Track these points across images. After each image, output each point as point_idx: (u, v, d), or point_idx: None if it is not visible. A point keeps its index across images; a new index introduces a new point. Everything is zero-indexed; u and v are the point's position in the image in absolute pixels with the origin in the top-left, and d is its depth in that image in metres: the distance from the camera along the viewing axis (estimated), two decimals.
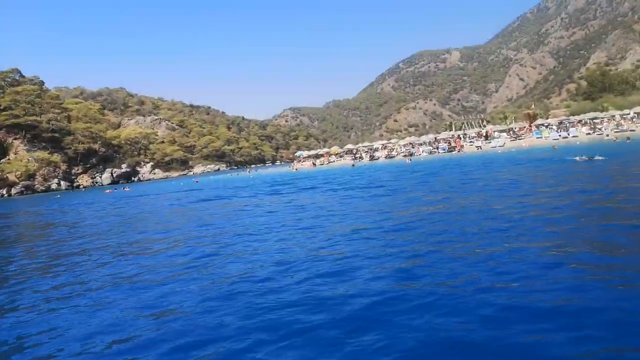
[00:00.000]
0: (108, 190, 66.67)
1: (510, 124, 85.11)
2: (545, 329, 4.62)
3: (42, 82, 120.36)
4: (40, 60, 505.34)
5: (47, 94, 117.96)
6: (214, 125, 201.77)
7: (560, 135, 60.83)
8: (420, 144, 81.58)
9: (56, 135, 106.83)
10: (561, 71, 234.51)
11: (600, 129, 60.82)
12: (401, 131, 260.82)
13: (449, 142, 75.31)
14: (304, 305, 6.08)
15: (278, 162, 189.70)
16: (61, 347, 5.58)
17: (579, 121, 69.79)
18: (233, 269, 8.61)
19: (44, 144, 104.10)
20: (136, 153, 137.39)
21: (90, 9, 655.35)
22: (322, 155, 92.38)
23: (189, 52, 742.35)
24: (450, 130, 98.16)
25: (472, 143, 71.07)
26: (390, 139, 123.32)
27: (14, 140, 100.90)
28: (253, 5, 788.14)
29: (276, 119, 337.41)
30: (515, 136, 71.24)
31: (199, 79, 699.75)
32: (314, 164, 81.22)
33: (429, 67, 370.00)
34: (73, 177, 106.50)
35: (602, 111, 75.82)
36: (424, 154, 70.11)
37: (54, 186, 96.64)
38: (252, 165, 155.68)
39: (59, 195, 65.87)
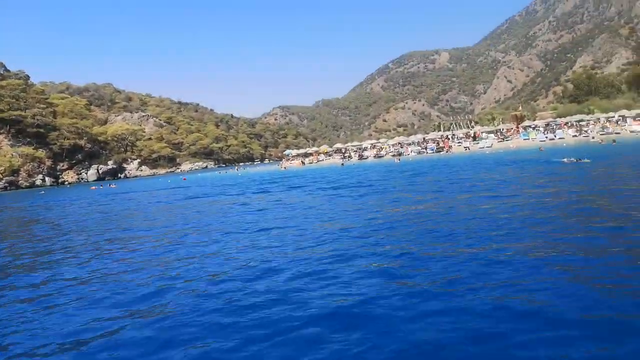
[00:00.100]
0: (94, 187, 65.88)
1: (498, 125, 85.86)
2: (529, 330, 4.60)
3: (28, 76, 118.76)
4: (26, 54, 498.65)
5: (32, 88, 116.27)
6: (202, 122, 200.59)
7: (547, 137, 61.46)
8: (409, 144, 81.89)
9: (41, 130, 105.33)
10: (548, 74, 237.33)
11: (586, 132, 61.59)
12: (390, 131, 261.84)
13: (438, 143, 75.73)
14: (290, 303, 6.01)
15: (267, 161, 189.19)
16: (39, 345, 5.44)
17: (566, 123, 70.59)
18: (219, 266, 8.50)
19: (28, 139, 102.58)
20: (123, 150, 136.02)
21: (77, 4, 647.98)
22: (311, 154, 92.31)
23: (178, 49, 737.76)
24: (439, 130, 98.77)
25: (460, 144, 71.55)
26: (379, 138, 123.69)
27: None
28: (243, 4, 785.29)
29: (265, 117, 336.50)
30: (502, 137, 71.85)
31: (187, 76, 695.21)
32: (303, 163, 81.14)
33: (418, 67, 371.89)
34: (58, 173, 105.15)
35: (588, 114, 76.75)
36: (413, 153, 70.40)
37: (38, 182, 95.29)
38: (241, 164, 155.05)
39: (43, 192, 64.96)
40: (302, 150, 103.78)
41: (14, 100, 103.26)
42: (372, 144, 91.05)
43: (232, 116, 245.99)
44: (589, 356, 4.09)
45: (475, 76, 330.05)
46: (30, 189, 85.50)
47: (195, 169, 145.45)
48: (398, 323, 5.11)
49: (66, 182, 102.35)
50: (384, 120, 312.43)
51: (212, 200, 25.25)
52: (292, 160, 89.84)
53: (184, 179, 67.61)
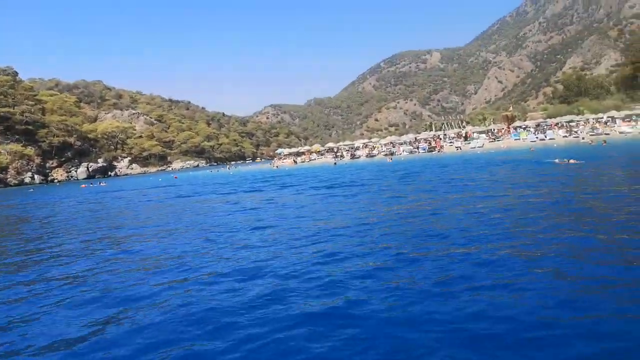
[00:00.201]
0: (84, 185, 65.28)
1: (489, 125, 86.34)
2: (523, 329, 4.60)
3: (16, 72, 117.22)
4: (14, 50, 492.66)
5: (20, 85, 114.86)
6: (193, 120, 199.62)
7: (537, 138, 61.86)
8: (401, 144, 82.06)
9: (30, 127, 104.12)
10: (538, 75, 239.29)
11: (576, 132, 62.08)
12: (382, 130, 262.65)
13: (429, 142, 75.97)
14: (282, 303, 5.96)
15: (258, 159, 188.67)
16: (30, 345, 5.36)
17: (556, 124, 71.15)
18: (211, 266, 8.42)
19: (17, 137, 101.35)
20: (113, 147, 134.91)
21: (68, 1, 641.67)
22: (303, 153, 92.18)
23: (169, 47, 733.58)
24: (431, 130, 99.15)
25: (451, 143, 71.80)
26: (371, 138, 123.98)
27: None
28: (234, 2, 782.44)
29: (257, 116, 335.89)
30: (494, 137, 72.24)
31: (178, 74, 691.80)
32: (295, 162, 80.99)
33: (410, 67, 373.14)
34: (47, 170, 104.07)
35: (577, 115, 77.45)
36: (405, 153, 70.54)
37: (27, 180, 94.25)
38: (232, 162, 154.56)
39: (32, 189, 64.26)
40: (294, 149, 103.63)
41: (1, 96, 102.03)
42: (364, 144, 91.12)
43: (223, 114, 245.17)
44: (581, 356, 4.10)
45: (467, 76, 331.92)
46: (19, 187, 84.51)
47: (187, 168, 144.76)
48: (390, 323, 5.09)
49: (56, 180, 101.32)
50: (376, 120, 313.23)
51: (204, 199, 25.10)
52: (284, 159, 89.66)
53: (175, 178, 67.23)
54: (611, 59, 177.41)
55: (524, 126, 75.70)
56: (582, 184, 15.67)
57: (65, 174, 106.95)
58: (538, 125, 73.79)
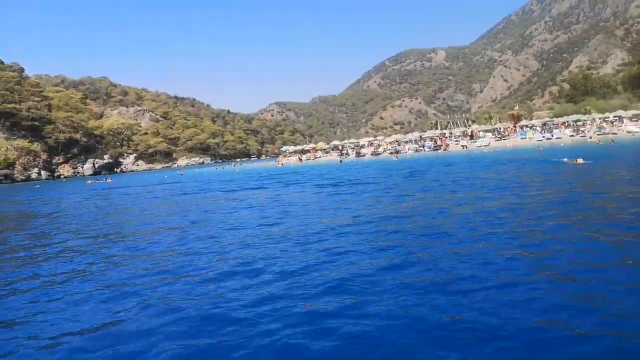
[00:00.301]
0: (90, 181, 65.49)
1: (495, 124, 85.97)
2: (536, 330, 4.57)
3: (22, 69, 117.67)
4: (20, 47, 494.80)
5: (27, 81, 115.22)
6: (198, 117, 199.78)
7: (544, 137, 61.58)
8: (406, 142, 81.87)
9: (36, 123, 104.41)
10: (544, 74, 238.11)
11: (583, 132, 61.76)
12: (387, 128, 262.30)
13: (435, 141, 75.74)
14: (289, 298, 5.94)
15: (263, 157, 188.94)
16: (32, 338, 5.37)
17: (563, 123, 70.79)
18: (216, 262, 8.41)
19: (23, 133, 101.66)
20: (119, 144, 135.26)
21: None
22: (308, 151, 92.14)
23: (175, 44, 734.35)
24: (436, 129, 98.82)
25: (457, 142, 71.60)
26: (376, 136, 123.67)
27: None
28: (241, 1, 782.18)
29: (262, 113, 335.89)
30: (500, 136, 71.95)
31: (183, 71, 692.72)
32: (300, 160, 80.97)
33: (415, 65, 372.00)
34: (54, 166, 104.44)
35: (584, 114, 77.05)
36: (410, 151, 70.40)
37: (34, 175, 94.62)
38: (238, 159, 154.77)
39: (38, 185, 64.55)
40: (299, 147, 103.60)
41: (8, 92, 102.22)
42: (369, 142, 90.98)
43: (228, 112, 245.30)
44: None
45: (472, 75, 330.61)
46: (25, 183, 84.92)
47: (192, 164, 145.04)
48: (398, 322, 5.08)
49: (62, 176, 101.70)
50: (381, 118, 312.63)
51: (210, 196, 25.13)
52: (289, 156, 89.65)
53: (181, 174, 67.37)
54: (618, 58, 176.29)
55: (530, 125, 75.35)
56: (591, 184, 15.58)
57: (72, 170, 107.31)
58: (545, 124, 73.43)
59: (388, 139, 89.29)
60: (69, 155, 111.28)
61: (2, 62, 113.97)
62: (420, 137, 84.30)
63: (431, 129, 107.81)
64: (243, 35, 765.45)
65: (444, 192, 16.98)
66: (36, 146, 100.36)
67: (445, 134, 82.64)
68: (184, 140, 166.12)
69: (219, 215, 15.90)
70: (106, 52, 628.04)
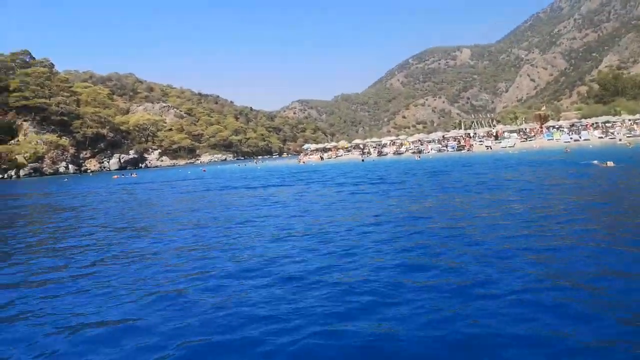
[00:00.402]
0: (116, 176, 66.85)
1: (520, 124, 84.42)
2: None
3: (52, 64, 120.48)
4: (51, 42, 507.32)
5: (56, 76, 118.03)
6: (222, 114, 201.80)
7: (571, 138, 60.24)
8: (429, 142, 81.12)
9: (65, 118, 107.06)
10: (572, 73, 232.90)
11: (612, 133, 60.17)
12: (409, 127, 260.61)
13: (459, 141, 74.82)
14: (312, 298, 5.93)
15: (285, 154, 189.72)
16: (56, 326, 5.49)
17: (592, 124, 69.09)
18: (240, 260, 8.44)
19: (52, 127, 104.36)
20: (144, 139, 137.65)
21: None
22: (330, 149, 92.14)
23: (200, 41, 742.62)
24: (460, 128, 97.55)
25: (481, 142, 70.58)
26: (398, 135, 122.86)
27: (23, 122, 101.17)
28: None
29: (284, 111, 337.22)
30: (525, 137, 70.66)
31: (208, 68, 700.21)
32: (322, 158, 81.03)
33: (439, 64, 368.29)
34: (81, 161, 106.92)
35: (614, 115, 75.05)
36: (433, 151, 69.73)
37: (61, 169, 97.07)
38: (259, 157, 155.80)
39: (66, 179, 66.11)
40: (320, 145, 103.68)
41: (38, 88, 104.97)
42: (391, 141, 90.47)
43: (251, 109, 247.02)
44: None
45: (497, 74, 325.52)
46: (53, 176, 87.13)
47: (215, 161, 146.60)
48: (423, 326, 5.01)
49: (89, 171, 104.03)
50: (403, 117, 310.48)
51: (234, 192, 25.34)
52: (310, 154, 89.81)
53: (204, 171, 68.16)
54: None
55: (557, 126, 73.78)
56: (622, 188, 15.17)
57: (98, 165, 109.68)
58: (572, 125, 71.80)
59: (410, 139, 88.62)
60: (96, 150, 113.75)
61: (34, 58, 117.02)
62: (443, 137, 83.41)
63: (455, 128, 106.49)
64: (267, 33, 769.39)
65: (469, 193, 16.74)
66: (64, 140, 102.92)
67: (469, 134, 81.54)
68: (207, 136, 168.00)
69: (241, 211, 16.00)
70: (133, 49, 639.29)
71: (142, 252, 9.98)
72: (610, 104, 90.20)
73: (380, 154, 76.08)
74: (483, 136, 77.87)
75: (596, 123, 69.31)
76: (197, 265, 8.30)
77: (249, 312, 5.71)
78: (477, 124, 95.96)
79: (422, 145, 78.37)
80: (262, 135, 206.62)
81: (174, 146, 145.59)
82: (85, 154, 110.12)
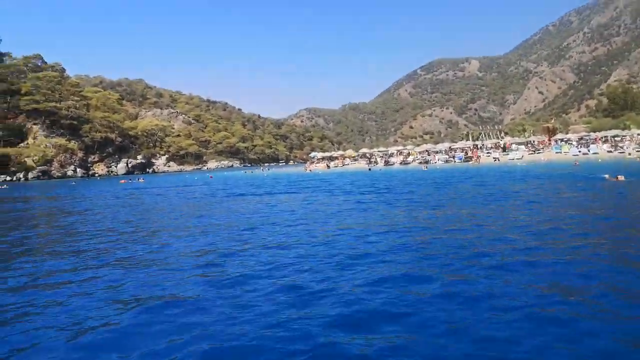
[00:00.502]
0: (123, 181, 67.11)
1: (528, 137, 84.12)
2: None
3: (64, 69, 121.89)
4: (62, 47, 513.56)
5: (67, 81, 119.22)
6: (229, 121, 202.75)
7: (580, 152, 59.90)
8: (436, 152, 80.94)
9: (74, 122, 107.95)
10: (581, 86, 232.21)
11: (621, 147, 59.76)
12: (416, 138, 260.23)
13: (466, 152, 74.59)
14: (323, 305, 5.86)
15: (291, 162, 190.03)
16: (60, 328, 5.45)
17: (601, 138, 68.70)
18: (244, 265, 8.37)
19: (62, 131, 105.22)
20: (152, 145, 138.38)
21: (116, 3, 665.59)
22: (336, 158, 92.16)
23: (209, 48, 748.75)
24: (467, 139, 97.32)
25: (489, 154, 70.32)
26: (405, 145, 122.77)
27: (33, 125, 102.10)
28: (275, 4, 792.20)
29: (292, 119, 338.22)
30: (533, 149, 70.33)
31: (217, 75, 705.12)
32: (328, 166, 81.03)
33: (447, 75, 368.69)
34: (89, 165, 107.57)
35: (623, 129, 74.63)
36: (440, 162, 69.52)
37: (69, 173, 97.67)
38: (266, 164, 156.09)
39: (74, 182, 66.55)
40: (327, 154, 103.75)
41: (49, 92, 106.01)
42: (398, 150, 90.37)
43: (259, 116, 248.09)
44: None
45: (506, 86, 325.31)
46: (61, 179, 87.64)
47: (221, 167, 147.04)
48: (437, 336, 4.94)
49: (96, 174, 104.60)
50: (411, 127, 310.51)
51: (241, 198, 25.31)
52: (317, 163, 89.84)
53: (211, 177, 68.33)
54: None
55: (566, 139, 73.42)
56: (636, 202, 14.99)
57: (106, 169, 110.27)
58: (581, 138, 71.43)
59: (417, 149, 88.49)
60: (104, 154, 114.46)
61: (46, 62, 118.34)
62: (450, 147, 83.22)
63: (462, 139, 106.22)
64: (275, 41, 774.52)
65: (478, 204, 16.61)
66: (73, 144, 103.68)
67: (477, 145, 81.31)
68: (215, 143, 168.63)
69: (248, 218, 15.95)
70: (144, 55, 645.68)
71: (147, 256, 9.94)
72: (619, 118, 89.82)
73: (387, 163, 75.95)
74: (490, 148, 77.62)
75: (605, 137, 68.91)
76: (202, 271, 8.24)
77: (256, 320, 5.63)
78: (485, 135, 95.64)
79: (429, 155, 78.19)
80: (269, 142, 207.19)
81: (182, 152, 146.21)
82: (93, 158, 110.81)
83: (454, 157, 72.11)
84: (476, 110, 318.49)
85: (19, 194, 42.19)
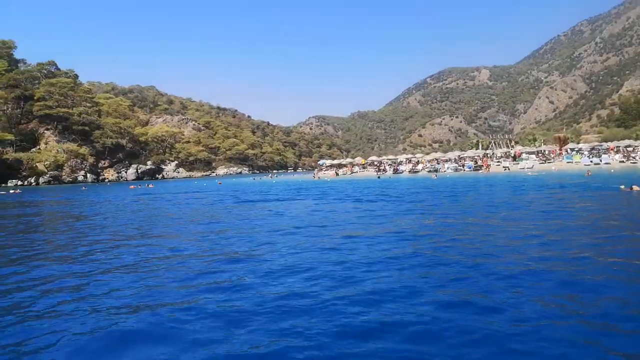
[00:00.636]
0: (132, 186, 67.48)
1: (539, 146, 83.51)
2: None
3: (77, 75, 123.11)
4: (76, 54, 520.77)
5: (80, 87, 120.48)
6: (239, 128, 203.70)
7: (592, 161, 59.30)
8: (446, 161, 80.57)
9: (86, 128, 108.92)
10: (592, 96, 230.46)
11: (634, 158, 59.08)
12: (425, 146, 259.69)
13: (476, 161, 74.16)
14: (333, 312, 5.75)
15: (300, 169, 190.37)
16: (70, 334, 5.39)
17: (614, 148, 68.00)
18: (256, 270, 8.29)
19: (73, 136, 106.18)
20: (162, 151, 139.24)
21: (127, 10, 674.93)
22: (345, 165, 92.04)
23: (220, 55, 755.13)
24: (477, 148, 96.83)
25: (499, 163, 69.83)
26: (414, 153, 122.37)
27: (45, 131, 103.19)
28: (287, 11, 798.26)
29: (301, 126, 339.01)
30: (544, 159, 69.77)
31: (227, 82, 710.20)
32: (337, 174, 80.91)
33: (457, 83, 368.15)
34: (99, 170, 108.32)
35: (636, 139, 73.90)
36: (449, 170, 69.14)
37: (80, 178, 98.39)
38: (275, 171, 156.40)
39: (84, 188, 66.99)
40: (336, 161, 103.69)
41: (62, 98, 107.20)
42: (407, 159, 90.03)
43: (268, 123, 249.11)
44: None
45: (516, 95, 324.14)
46: (72, 184, 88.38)
47: (230, 174, 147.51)
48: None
49: (107, 180, 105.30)
50: (420, 135, 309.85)
51: (250, 205, 25.29)
52: (326, 170, 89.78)
53: (219, 183, 68.51)
54: None
55: (577, 149, 72.77)
56: None
57: (116, 175, 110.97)
58: (593, 148, 70.75)
59: (427, 157, 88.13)
60: (114, 159, 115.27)
61: (59, 69, 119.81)
62: (459, 156, 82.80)
63: (472, 148, 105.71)
64: (285, 49, 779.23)
65: (490, 213, 16.42)
66: (84, 150, 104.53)
67: (487, 154, 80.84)
68: (224, 149, 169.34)
69: (257, 223, 15.90)
70: (155, 62, 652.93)
71: (156, 262, 9.90)
72: (632, 127, 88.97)
73: (396, 171, 75.66)
74: (500, 157, 77.12)
75: (618, 147, 68.21)
76: (211, 277, 8.18)
77: (269, 326, 5.55)
78: (495, 144, 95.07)
79: (438, 164, 77.82)
80: (278, 149, 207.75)
81: (191, 158, 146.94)
82: (104, 163, 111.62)
83: (463, 165, 71.69)
84: (486, 119, 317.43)
85: (29, 199, 42.52)
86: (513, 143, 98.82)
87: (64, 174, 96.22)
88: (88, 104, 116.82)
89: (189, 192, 43.85)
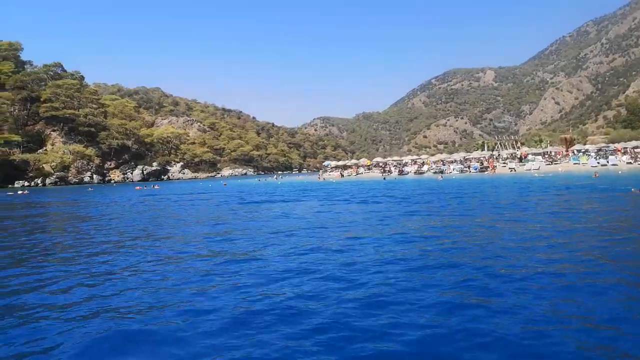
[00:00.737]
0: (138, 187, 67.66)
1: (545, 147, 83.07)
2: None
3: (83, 77, 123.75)
4: (82, 55, 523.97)
5: (86, 89, 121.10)
6: (244, 129, 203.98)
7: (599, 163, 58.91)
8: (451, 162, 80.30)
9: (92, 129, 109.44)
10: (599, 97, 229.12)
11: None
12: (430, 147, 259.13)
13: (481, 162, 73.87)
14: (335, 313, 5.72)
15: (305, 171, 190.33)
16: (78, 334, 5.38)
17: (621, 149, 67.52)
18: (263, 270, 8.27)
19: (80, 138, 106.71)
20: (167, 152, 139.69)
21: (126, 10, 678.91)
22: (350, 167, 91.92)
23: (220, 55, 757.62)
24: (483, 149, 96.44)
25: (505, 164, 69.53)
26: (419, 154, 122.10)
27: (51, 132, 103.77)
28: (287, 11, 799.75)
29: (305, 128, 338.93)
30: (550, 160, 69.39)
31: (232, 83, 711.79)
32: (342, 175, 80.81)
33: (462, 85, 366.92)
34: (105, 171, 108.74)
35: None
36: (455, 172, 68.90)
37: (86, 179, 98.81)
38: (279, 172, 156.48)
39: (91, 189, 67.24)
40: (341, 162, 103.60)
41: (68, 99, 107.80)
42: (413, 160, 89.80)
43: (273, 125, 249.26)
44: None
45: (521, 96, 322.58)
46: (78, 185, 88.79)
47: (235, 175, 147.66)
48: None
49: (112, 181, 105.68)
50: (424, 137, 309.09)
51: (255, 206, 25.26)
52: (330, 171, 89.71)
53: (225, 185, 68.61)
54: None
55: (584, 150, 72.32)
56: None
57: (122, 176, 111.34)
58: (600, 149, 70.30)
59: (432, 158, 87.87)
60: (120, 161, 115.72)
61: (65, 71, 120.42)
62: (465, 157, 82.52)
63: (477, 149, 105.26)
64: (290, 50, 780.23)
65: (496, 214, 16.32)
66: (90, 151, 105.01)
67: (493, 155, 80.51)
68: (229, 151, 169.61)
69: (262, 224, 15.89)
70: (160, 63, 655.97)
71: (161, 262, 9.90)
72: (639, 129, 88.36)
73: (401, 173, 75.49)
74: (506, 158, 76.80)
75: (625, 148, 67.73)
76: (218, 278, 8.16)
77: (277, 328, 5.53)
78: (501, 145, 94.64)
79: (443, 165, 77.59)
80: (283, 151, 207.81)
81: (196, 159, 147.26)
82: (110, 164, 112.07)
83: (469, 167, 71.42)
84: (491, 120, 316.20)
85: (36, 200, 42.73)
86: (519, 144, 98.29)
87: (70, 175, 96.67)
88: (94, 106, 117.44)
89: (194, 193, 43.92)
